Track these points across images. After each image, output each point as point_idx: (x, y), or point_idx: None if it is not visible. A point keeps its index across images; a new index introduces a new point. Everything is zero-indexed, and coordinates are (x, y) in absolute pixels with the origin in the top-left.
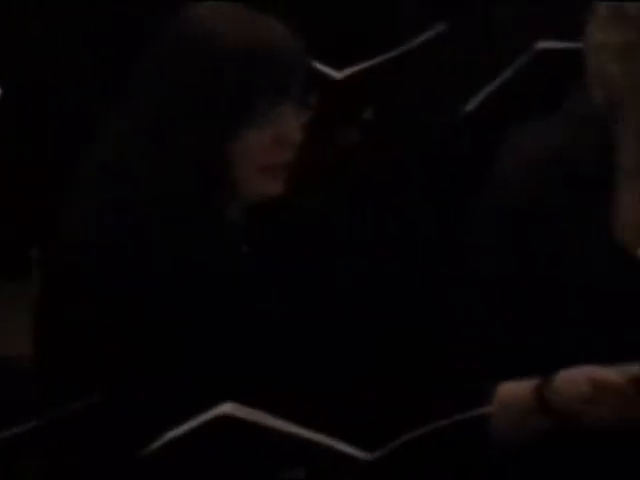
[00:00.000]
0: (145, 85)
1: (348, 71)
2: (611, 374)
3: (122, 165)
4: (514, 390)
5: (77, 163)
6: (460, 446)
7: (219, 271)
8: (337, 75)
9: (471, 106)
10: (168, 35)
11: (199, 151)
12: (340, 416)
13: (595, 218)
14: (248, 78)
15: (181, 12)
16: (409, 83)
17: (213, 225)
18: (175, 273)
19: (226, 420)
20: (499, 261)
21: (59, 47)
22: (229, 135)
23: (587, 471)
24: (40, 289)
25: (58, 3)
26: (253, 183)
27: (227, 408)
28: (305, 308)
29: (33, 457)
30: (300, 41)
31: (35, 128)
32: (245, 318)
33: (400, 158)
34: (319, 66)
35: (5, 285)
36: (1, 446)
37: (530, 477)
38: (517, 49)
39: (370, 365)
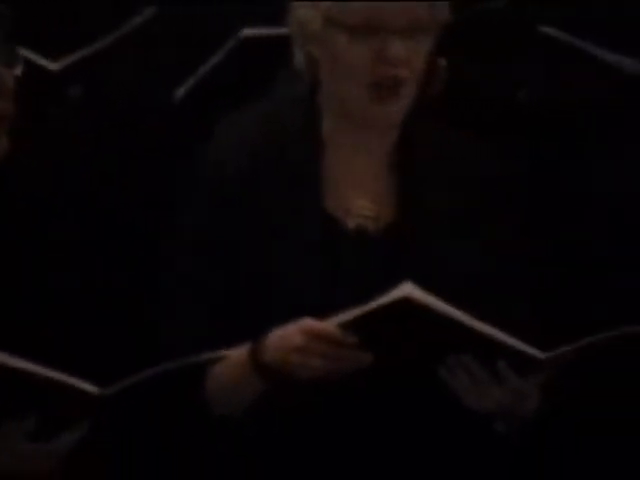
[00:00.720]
0: None
1: (63, 61)
2: (321, 323)
3: None
4: (229, 355)
5: None
6: (179, 393)
7: None
8: (52, 65)
9: (181, 93)
10: None
11: None
12: (72, 351)
13: (305, 190)
14: None
15: None
16: (120, 67)
17: None
18: None
19: None
20: (212, 232)
21: None
22: None
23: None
24: None
25: None
26: None
27: None
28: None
29: None
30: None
31: None
32: None
33: (109, 140)
34: (32, 56)
35: None
36: None
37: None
38: (225, 36)
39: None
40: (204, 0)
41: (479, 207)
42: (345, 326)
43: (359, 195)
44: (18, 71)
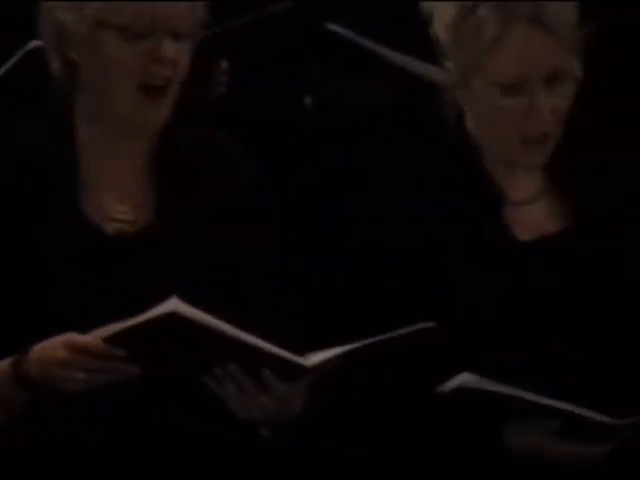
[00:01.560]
0: None
1: None
2: (85, 337)
3: None
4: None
5: None
6: None
7: None
8: None
9: None
10: None
11: None
12: None
13: (64, 196)
14: None
15: None
16: None
17: None
18: None
19: None
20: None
21: None
22: None
23: None
24: None
25: None
26: None
27: None
28: None
29: None
30: None
31: None
32: None
33: None
34: None
35: None
36: None
37: None
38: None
39: None
40: None
41: (231, 216)
42: (110, 340)
43: (118, 199)
44: None
